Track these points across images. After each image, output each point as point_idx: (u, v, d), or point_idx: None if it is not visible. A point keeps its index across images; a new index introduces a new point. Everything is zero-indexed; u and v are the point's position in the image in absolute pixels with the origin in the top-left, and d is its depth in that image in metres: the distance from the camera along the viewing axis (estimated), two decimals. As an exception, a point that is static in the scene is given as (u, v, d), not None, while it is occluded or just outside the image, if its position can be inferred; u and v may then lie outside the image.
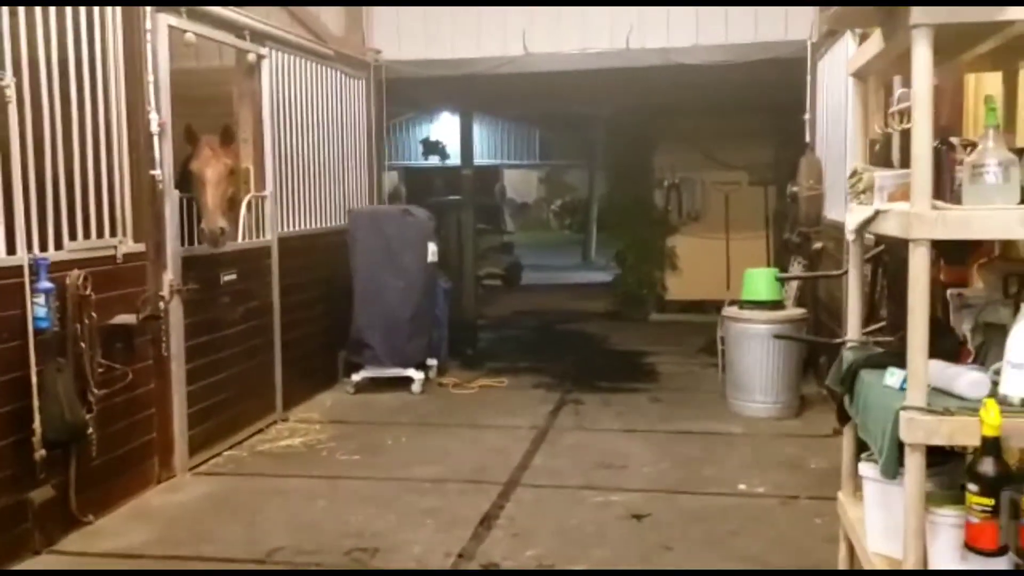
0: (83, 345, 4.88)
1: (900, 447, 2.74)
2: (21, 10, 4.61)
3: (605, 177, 18.67)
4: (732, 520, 5.08)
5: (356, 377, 8.19)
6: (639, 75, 9.46)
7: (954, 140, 3.03)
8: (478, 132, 19.64)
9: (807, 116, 8.54)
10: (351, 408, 7.74)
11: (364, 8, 9.28)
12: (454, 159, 15.18)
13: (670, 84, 10.19)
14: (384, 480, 5.82)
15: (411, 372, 8.16)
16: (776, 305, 7.32)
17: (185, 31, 5.91)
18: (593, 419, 7.32)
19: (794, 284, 8.10)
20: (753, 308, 7.30)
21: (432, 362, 8.59)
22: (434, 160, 19.71)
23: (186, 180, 6.07)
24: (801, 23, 8.49)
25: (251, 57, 6.87)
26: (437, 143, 19.46)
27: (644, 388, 8.44)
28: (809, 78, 8.45)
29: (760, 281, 7.35)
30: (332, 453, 6.45)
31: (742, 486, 5.64)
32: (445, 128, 19.09)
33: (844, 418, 3.58)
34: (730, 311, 7.48)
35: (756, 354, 7.16)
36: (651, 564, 4.52)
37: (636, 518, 5.13)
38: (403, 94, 10.25)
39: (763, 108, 11.34)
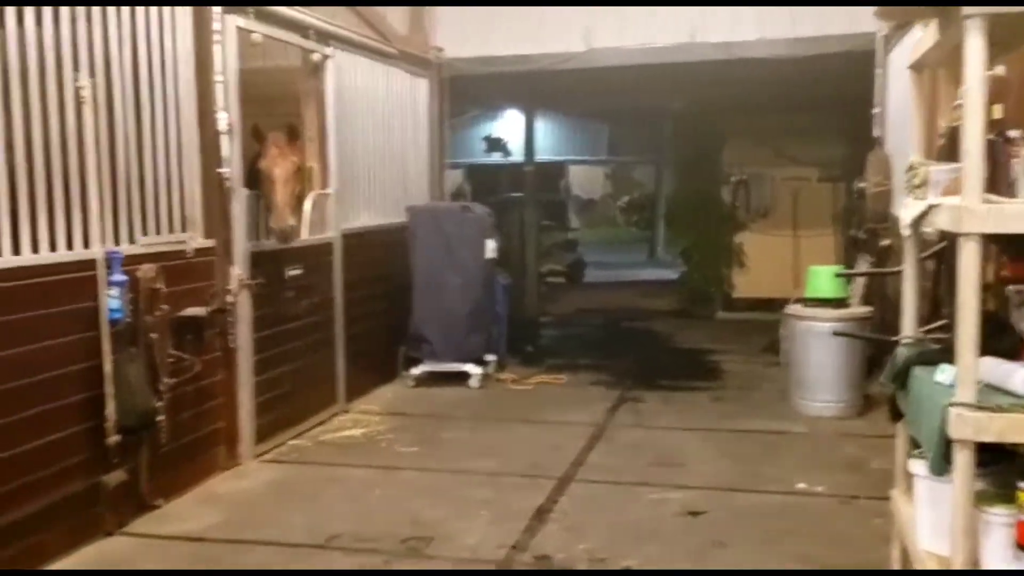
0: (154, 336, 5.06)
1: (949, 444, 2.71)
2: (96, 13, 4.80)
3: (672, 173, 18.52)
4: (789, 519, 5.04)
5: (415, 371, 8.32)
6: (704, 70, 9.39)
7: (1013, 133, 2.98)
8: (543, 128, 19.68)
9: (876, 110, 8.38)
10: (410, 401, 7.87)
11: (428, 6, 9.38)
12: (517, 155, 15.25)
13: (736, 79, 10.09)
14: (440, 472, 5.92)
15: (469, 367, 8.25)
16: (840, 303, 7.21)
17: (252, 32, 6.08)
18: (652, 417, 7.31)
19: (860, 282, 7.95)
20: (816, 306, 7.21)
21: (491, 358, 8.66)
22: (497, 157, 19.80)
23: (253, 177, 6.25)
24: (871, 15, 8.30)
25: (316, 57, 7.01)
26: (499, 140, 19.55)
27: (706, 386, 8.39)
28: (879, 71, 8.29)
29: (824, 278, 7.25)
30: (391, 444, 6.57)
31: (801, 485, 5.58)
32: (510, 125, 19.17)
33: (897, 415, 3.54)
34: (793, 309, 7.40)
35: (819, 352, 7.07)
36: (704, 561, 4.52)
37: (691, 515, 5.12)
38: (468, 91, 10.35)
39: (833, 102, 11.14)
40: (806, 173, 12.57)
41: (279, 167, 6.19)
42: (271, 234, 6.24)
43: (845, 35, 8.43)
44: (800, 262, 11.64)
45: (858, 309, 7.37)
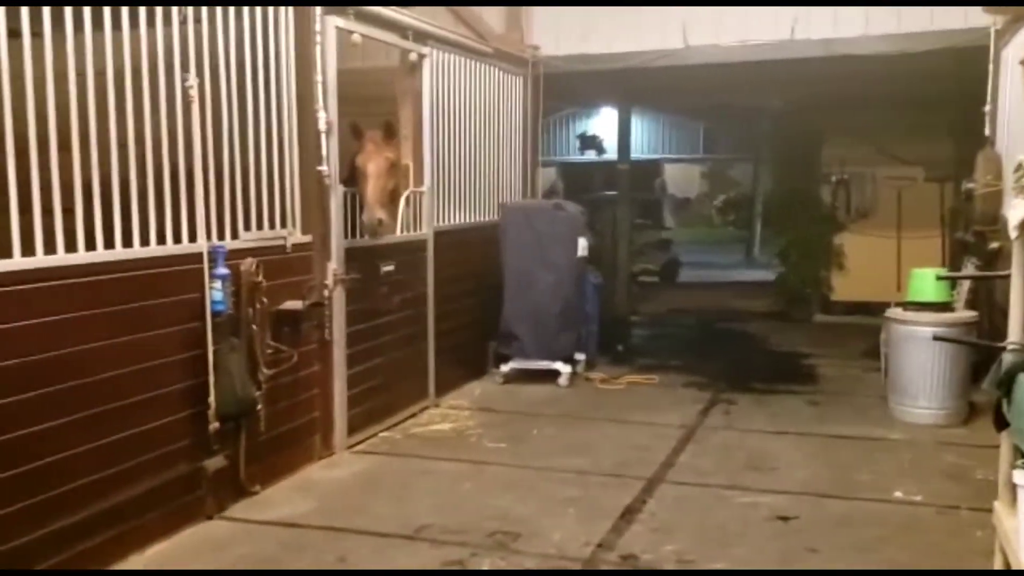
0: (254, 328, 5.24)
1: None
2: (204, 15, 4.98)
3: (770, 171, 18.17)
4: (884, 527, 4.91)
5: (505, 368, 8.38)
6: (805, 66, 9.19)
7: None
8: (639, 126, 19.54)
9: (988, 108, 8.05)
10: (499, 397, 7.93)
11: (524, 6, 9.42)
12: (612, 154, 15.18)
13: (839, 75, 9.83)
14: (528, 468, 5.95)
15: (559, 365, 8.27)
16: (944, 307, 6.97)
17: (352, 32, 6.22)
18: (745, 420, 7.20)
19: (965, 286, 7.67)
20: (918, 309, 6.98)
21: (580, 356, 8.66)
22: (591, 155, 19.73)
23: (351, 174, 6.39)
24: (981, 10, 8.00)
25: (413, 56, 7.12)
26: (594, 138, 19.48)
27: (801, 390, 8.21)
28: (992, 67, 7.97)
29: (927, 282, 7.01)
30: (479, 439, 6.64)
31: (898, 493, 5.43)
32: (604, 122, 19.08)
33: (1002, 424, 3.41)
34: (894, 312, 7.18)
35: (920, 358, 6.85)
36: (793, 566, 4.44)
37: (782, 520, 5.04)
38: (562, 89, 10.35)
39: (941, 99, 10.75)
40: (911, 172, 12.16)
41: (373, 162, 6.33)
42: (362, 228, 6.37)
43: (955, 30, 8.13)
44: (903, 265, 11.29)
45: (963, 314, 7.11)
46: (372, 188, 6.30)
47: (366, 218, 6.30)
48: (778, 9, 8.71)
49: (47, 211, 4.02)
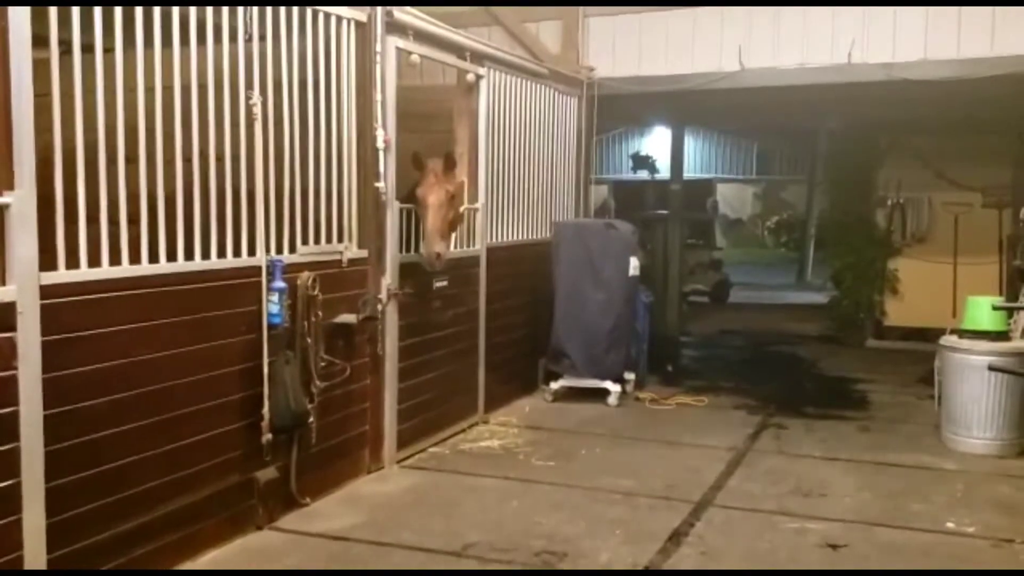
0: (309, 340, 5.33)
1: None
2: (268, 34, 5.11)
3: (824, 193, 17.97)
4: (934, 558, 4.84)
5: (554, 385, 8.40)
6: (862, 90, 9.13)
7: None
8: (692, 145, 19.52)
9: (1049, 135, 7.93)
10: (548, 415, 7.94)
11: (580, 26, 9.49)
12: (665, 173, 15.16)
13: (896, 99, 9.74)
14: (576, 487, 5.96)
15: (608, 384, 8.26)
16: (1000, 336, 6.84)
17: (411, 53, 6.32)
18: (795, 444, 7.13)
19: (1023, 315, 7.53)
20: (974, 338, 6.87)
21: (630, 376, 8.65)
22: (643, 174, 19.72)
23: (411, 198, 6.48)
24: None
25: (471, 76, 7.21)
26: (647, 157, 19.46)
27: (852, 416, 8.11)
28: (1053, 94, 7.86)
29: (982, 310, 6.90)
30: (528, 457, 6.66)
31: (950, 524, 5.34)
32: (657, 141, 19.07)
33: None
34: (948, 340, 7.07)
35: (975, 387, 6.73)
36: (843, 596, 4.39)
37: (831, 547, 4.98)
38: (615, 109, 10.38)
39: (1001, 124, 10.58)
40: (969, 198, 11.98)
41: (433, 194, 6.35)
42: (421, 260, 6.41)
43: (1015, 56, 8.02)
44: (959, 291, 11.12)
45: (1019, 343, 6.97)
46: (432, 220, 6.33)
47: (425, 252, 6.34)
48: (836, 31, 8.67)
49: (113, 222, 4.14)
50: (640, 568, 4.66)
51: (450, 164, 6.51)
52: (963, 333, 6.99)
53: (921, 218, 12.28)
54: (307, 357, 5.33)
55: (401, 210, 6.37)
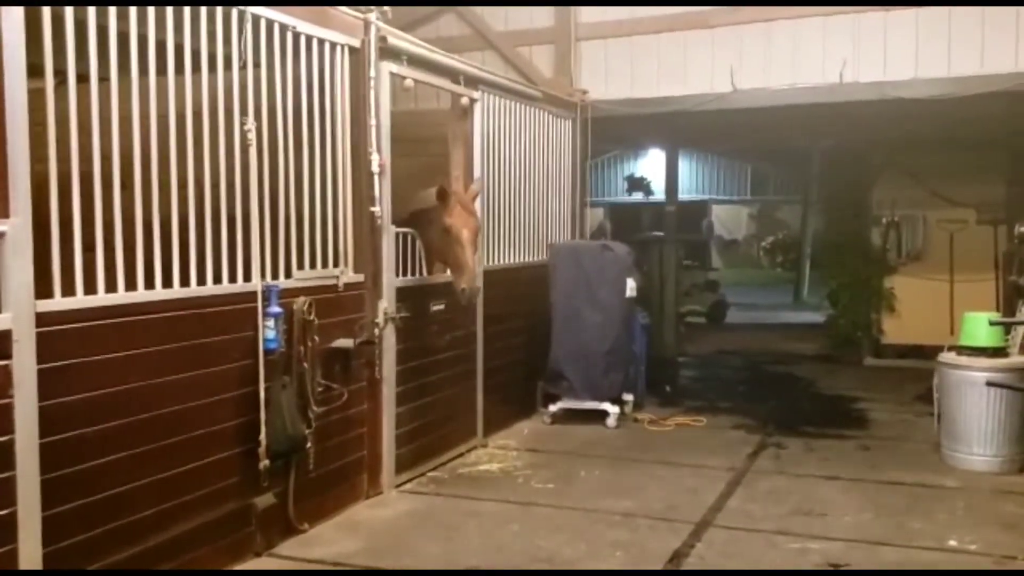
0: (306, 365, 5.31)
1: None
2: (263, 61, 5.13)
3: (819, 213, 18.05)
4: (938, 577, 4.81)
5: (553, 408, 8.38)
6: (855, 109, 9.19)
7: None
8: (686, 167, 19.58)
9: (1041, 151, 7.98)
10: (547, 438, 7.91)
11: (572, 50, 9.56)
12: (660, 195, 15.22)
13: (889, 118, 9.82)
14: (576, 510, 5.92)
15: (607, 406, 8.25)
16: (998, 352, 6.85)
17: (405, 77, 6.34)
18: (795, 464, 7.10)
19: (1020, 331, 7.54)
20: (972, 354, 6.87)
21: (628, 397, 8.62)
22: (638, 196, 19.79)
23: (413, 224, 6.50)
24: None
25: (465, 100, 7.24)
26: (641, 179, 19.53)
27: (852, 435, 8.09)
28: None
29: (979, 326, 6.90)
30: (527, 480, 6.62)
31: (952, 542, 5.31)
32: (652, 164, 19.14)
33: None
34: (946, 357, 7.07)
35: (974, 403, 6.73)
36: (846, 616, 4.36)
37: (833, 567, 4.95)
38: (609, 132, 10.43)
39: (994, 141, 10.64)
40: (963, 215, 12.02)
41: (468, 228, 6.27)
42: (460, 294, 6.25)
43: (1005, 74, 8.08)
44: (956, 308, 11.13)
45: (1017, 359, 6.97)
46: (470, 254, 6.23)
47: (467, 286, 6.19)
48: (827, 52, 8.74)
49: (108, 247, 4.14)
50: (641, 590, 4.64)
51: (472, 193, 6.51)
52: (961, 350, 7.00)
53: (916, 236, 12.33)
54: (304, 382, 5.31)
55: (397, 234, 6.37)
